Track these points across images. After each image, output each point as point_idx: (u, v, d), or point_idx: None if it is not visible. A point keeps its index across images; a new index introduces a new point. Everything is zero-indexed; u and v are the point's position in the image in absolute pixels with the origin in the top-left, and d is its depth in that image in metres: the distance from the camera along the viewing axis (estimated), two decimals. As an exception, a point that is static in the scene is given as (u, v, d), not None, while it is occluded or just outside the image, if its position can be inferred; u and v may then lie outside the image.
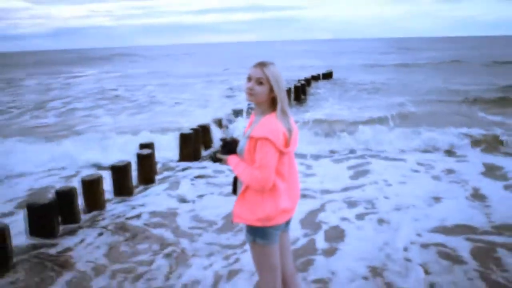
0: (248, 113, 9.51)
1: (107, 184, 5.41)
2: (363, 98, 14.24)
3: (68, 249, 4.08)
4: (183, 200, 5.33)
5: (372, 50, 54.94)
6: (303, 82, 15.48)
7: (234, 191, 2.53)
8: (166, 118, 11.75)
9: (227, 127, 8.92)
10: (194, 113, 12.13)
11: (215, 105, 13.42)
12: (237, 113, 9.80)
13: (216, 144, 7.85)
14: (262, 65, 2.30)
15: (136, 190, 5.72)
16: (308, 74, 19.49)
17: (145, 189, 5.77)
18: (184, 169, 6.71)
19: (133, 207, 5.10)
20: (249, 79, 2.33)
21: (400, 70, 24.01)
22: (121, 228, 4.54)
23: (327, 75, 20.53)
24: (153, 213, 4.91)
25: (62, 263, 3.82)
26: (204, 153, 7.56)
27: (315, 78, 19.15)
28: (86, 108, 14.35)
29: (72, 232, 4.42)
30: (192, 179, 6.14)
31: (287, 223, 2.52)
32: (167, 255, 3.93)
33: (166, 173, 6.48)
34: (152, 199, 5.35)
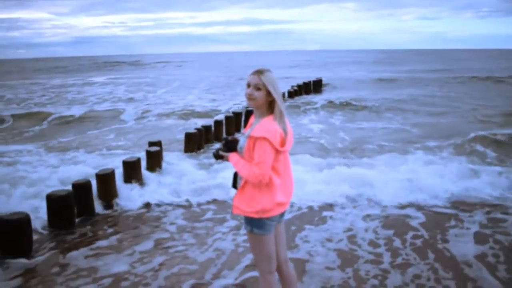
0: (247, 116, 9.51)
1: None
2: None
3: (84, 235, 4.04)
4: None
5: (357, 60, 55.07)
6: (295, 88, 15.43)
7: (234, 185, 2.51)
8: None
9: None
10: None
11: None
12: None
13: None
14: (259, 72, 2.29)
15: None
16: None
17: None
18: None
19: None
20: (248, 85, 2.31)
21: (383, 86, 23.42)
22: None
23: (317, 85, 19.63)
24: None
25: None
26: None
27: (305, 89, 17.65)
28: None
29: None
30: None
31: (282, 215, 2.50)
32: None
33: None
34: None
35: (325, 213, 4.58)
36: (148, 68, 43.72)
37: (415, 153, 7.06)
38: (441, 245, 3.77)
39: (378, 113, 11.76)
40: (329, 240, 3.92)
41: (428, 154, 6.94)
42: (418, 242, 3.84)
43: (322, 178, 5.47)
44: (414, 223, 4.26)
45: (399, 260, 3.53)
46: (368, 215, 4.48)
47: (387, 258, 3.58)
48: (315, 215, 4.56)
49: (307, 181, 5.32)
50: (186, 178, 5.60)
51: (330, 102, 13.38)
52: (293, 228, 4.21)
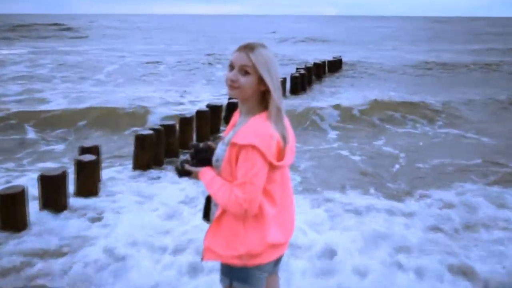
0: (228, 113, 9.53)
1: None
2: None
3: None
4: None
5: (393, 33, 55.50)
6: (302, 71, 15.59)
7: (206, 216, 2.52)
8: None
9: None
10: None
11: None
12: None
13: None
14: (248, 48, 2.29)
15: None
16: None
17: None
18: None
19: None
20: (231, 67, 2.31)
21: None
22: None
23: (334, 65, 20.09)
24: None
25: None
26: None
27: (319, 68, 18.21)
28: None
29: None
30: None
31: (277, 262, 2.51)
32: None
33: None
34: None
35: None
36: (86, 39, 43.44)
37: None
38: None
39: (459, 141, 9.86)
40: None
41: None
42: None
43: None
44: None
45: None
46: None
47: None
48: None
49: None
50: (130, 225, 5.29)
51: (349, 111, 11.58)
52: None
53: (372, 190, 6.71)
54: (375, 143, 9.36)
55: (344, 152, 8.64)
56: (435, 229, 5.42)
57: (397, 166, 7.91)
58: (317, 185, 6.89)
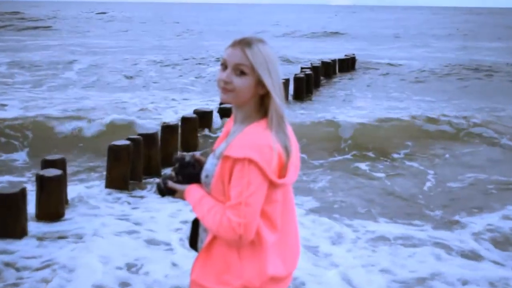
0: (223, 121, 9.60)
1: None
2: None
3: None
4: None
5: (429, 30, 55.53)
6: (308, 71, 15.67)
7: (193, 243, 2.52)
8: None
9: None
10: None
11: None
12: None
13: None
14: (244, 43, 2.30)
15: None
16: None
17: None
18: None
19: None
20: (224, 66, 2.33)
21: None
22: None
23: (346, 63, 20.15)
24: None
25: None
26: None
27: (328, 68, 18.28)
28: None
29: None
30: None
31: (278, 299, 2.49)
32: None
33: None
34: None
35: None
36: (49, 30, 43.58)
37: None
38: None
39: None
40: None
41: None
42: None
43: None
44: None
45: None
46: None
47: None
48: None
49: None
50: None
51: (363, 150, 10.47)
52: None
53: (404, 216, 6.70)
54: (397, 155, 9.38)
55: (363, 166, 8.63)
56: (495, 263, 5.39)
57: (428, 184, 7.94)
58: (332, 208, 6.89)
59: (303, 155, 8.33)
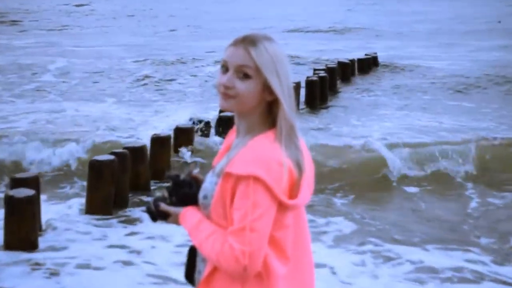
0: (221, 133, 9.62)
1: None
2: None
3: None
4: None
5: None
6: (322, 74, 15.67)
7: (189, 276, 2.52)
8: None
9: None
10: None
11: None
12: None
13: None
14: (247, 41, 2.30)
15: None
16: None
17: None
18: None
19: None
20: (225, 68, 2.34)
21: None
22: None
23: (367, 63, 20.00)
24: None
25: None
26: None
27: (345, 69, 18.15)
28: None
29: None
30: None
31: None
32: None
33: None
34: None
35: None
36: (19, 27, 43.94)
37: None
38: None
39: None
40: None
41: None
42: None
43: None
44: None
45: None
46: None
47: None
48: None
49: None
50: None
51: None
52: None
53: (450, 244, 6.73)
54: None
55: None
56: None
57: (473, 204, 7.96)
58: (362, 234, 6.88)
59: (329, 197, 8.25)
